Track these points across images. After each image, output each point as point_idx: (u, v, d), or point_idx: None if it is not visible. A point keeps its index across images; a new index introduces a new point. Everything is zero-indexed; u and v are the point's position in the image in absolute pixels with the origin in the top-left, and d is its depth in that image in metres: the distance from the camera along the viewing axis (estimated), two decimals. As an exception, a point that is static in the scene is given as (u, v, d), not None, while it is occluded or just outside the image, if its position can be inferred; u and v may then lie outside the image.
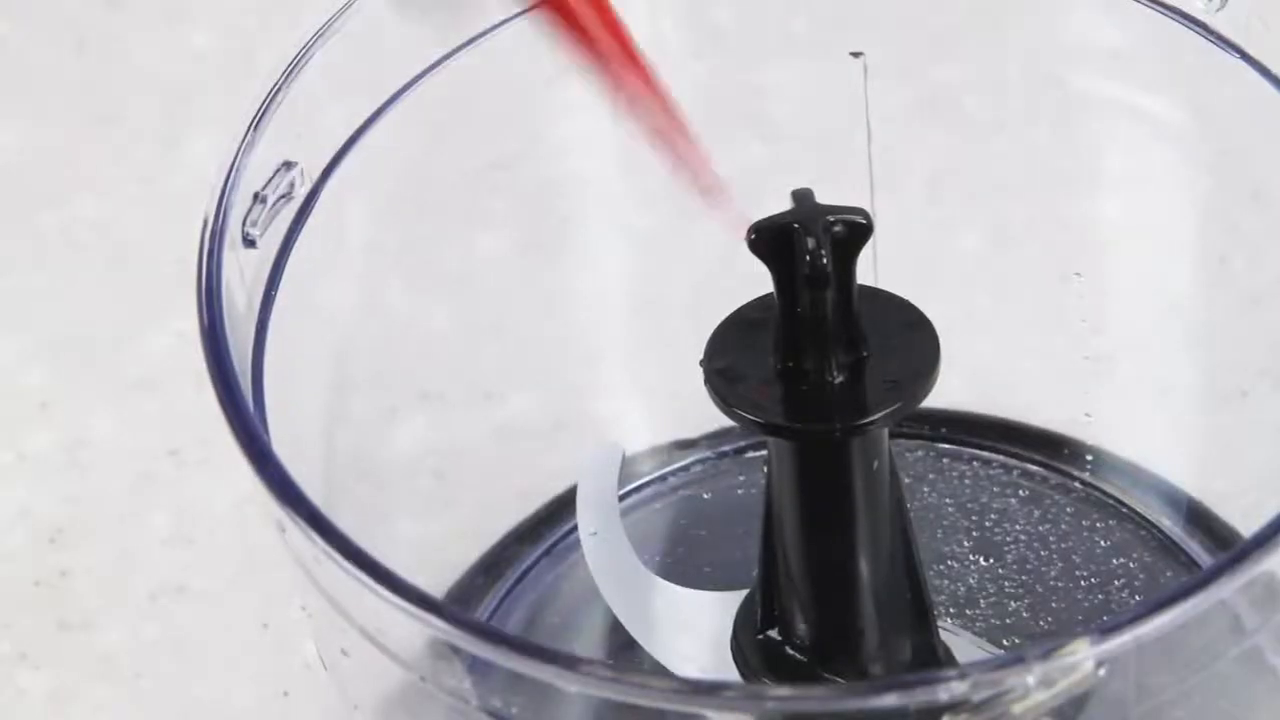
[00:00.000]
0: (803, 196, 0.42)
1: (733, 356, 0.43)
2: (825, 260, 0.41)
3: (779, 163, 0.56)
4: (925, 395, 0.43)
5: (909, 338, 0.43)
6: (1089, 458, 0.55)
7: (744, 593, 0.48)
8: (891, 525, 0.45)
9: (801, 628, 0.46)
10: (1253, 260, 0.55)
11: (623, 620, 0.49)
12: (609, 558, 0.51)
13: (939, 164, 0.56)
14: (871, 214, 0.52)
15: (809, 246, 0.41)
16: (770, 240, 0.42)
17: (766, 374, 0.43)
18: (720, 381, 0.43)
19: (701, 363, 0.44)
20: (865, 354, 0.43)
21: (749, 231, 0.42)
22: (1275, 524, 0.37)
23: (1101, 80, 0.53)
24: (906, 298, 0.44)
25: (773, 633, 0.46)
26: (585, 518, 0.52)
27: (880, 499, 0.44)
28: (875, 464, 0.44)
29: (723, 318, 0.45)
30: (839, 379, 0.42)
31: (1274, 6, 0.46)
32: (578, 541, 0.54)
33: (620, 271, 0.57)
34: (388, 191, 0.50)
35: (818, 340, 0.42)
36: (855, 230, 0.42)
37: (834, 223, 0.41)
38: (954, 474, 0.55)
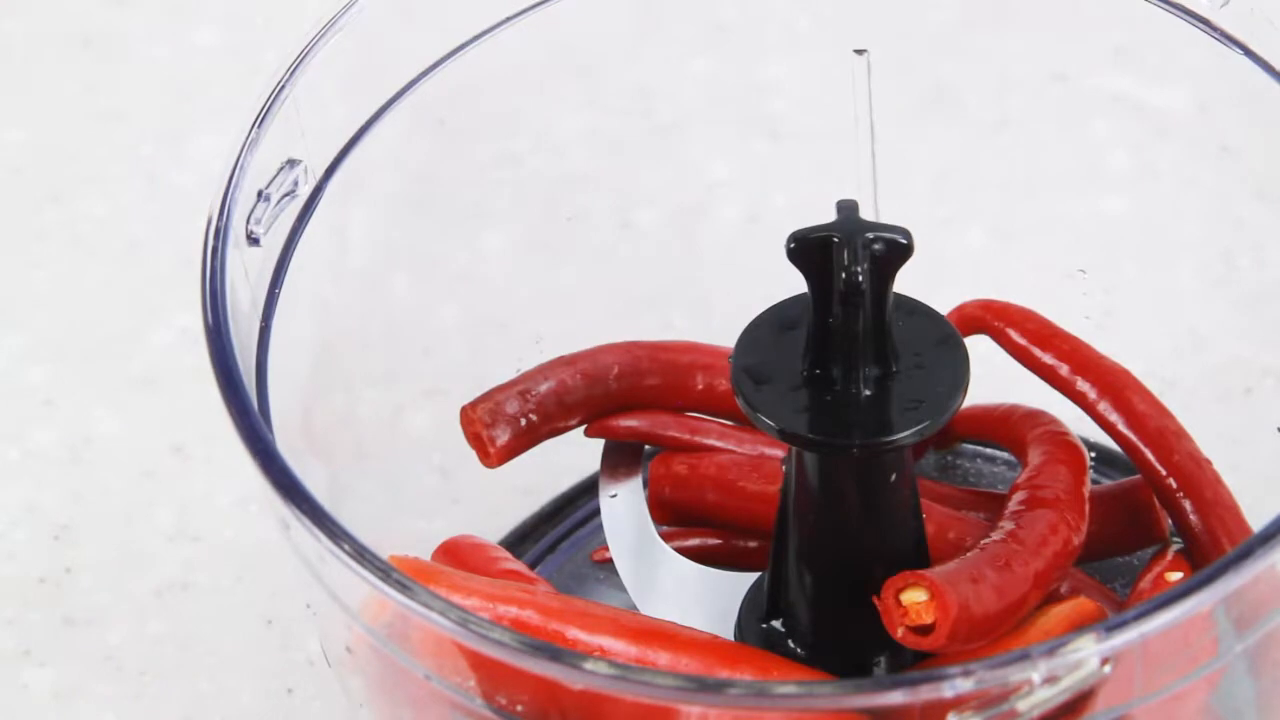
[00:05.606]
0: (847, 209, 0.42)
1: (762, 355, 0.44)
2: (861, 278, 0.41)
3: (783, 159, 0.56)
4: (950, 417, 0.43)
5: (940, 355, 0.44)
6: (1092, 454, 0.55)
7: (753, 576, 0.48)
8: (906, 531, 0.45)
9: (806, 621, 0.46)
10: (1257, 257, 0.55)
11: (626, 584, 0.49)
12: (625, 521, 0.50)
13: (943, 161, 0.56)
14: (875, 210, 0.52)
15: (845, 262, 0.41)
16: (809, 250, 0.42)
17: (793, 378, 0.43)
18: (746, 381, 0.43)
19: (731, 358, 0.44)
20: (895, 369, 0.43)
21: (788, 240, 0.42)
22: (1279, 521, 0.37)
23: (1105, 76, 0.53)
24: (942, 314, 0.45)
25: (776, 623, 0.47)
26: (608, 479, 0.51)
27: (896, 509, 0.44)
28: (894, 476, 0.44)
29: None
30: (866, 392, 0.42)
31: (1278, 3, 0.46)
32: (581, 539, 0.54)
33: (624, 269, 0.57)
34: (391, 189, 0.50)
35: (847, 352, 0.42)
36: (895, 249, 0.42)
37: (874, 240, 0.41)
38: (958, 471, 0.55)
